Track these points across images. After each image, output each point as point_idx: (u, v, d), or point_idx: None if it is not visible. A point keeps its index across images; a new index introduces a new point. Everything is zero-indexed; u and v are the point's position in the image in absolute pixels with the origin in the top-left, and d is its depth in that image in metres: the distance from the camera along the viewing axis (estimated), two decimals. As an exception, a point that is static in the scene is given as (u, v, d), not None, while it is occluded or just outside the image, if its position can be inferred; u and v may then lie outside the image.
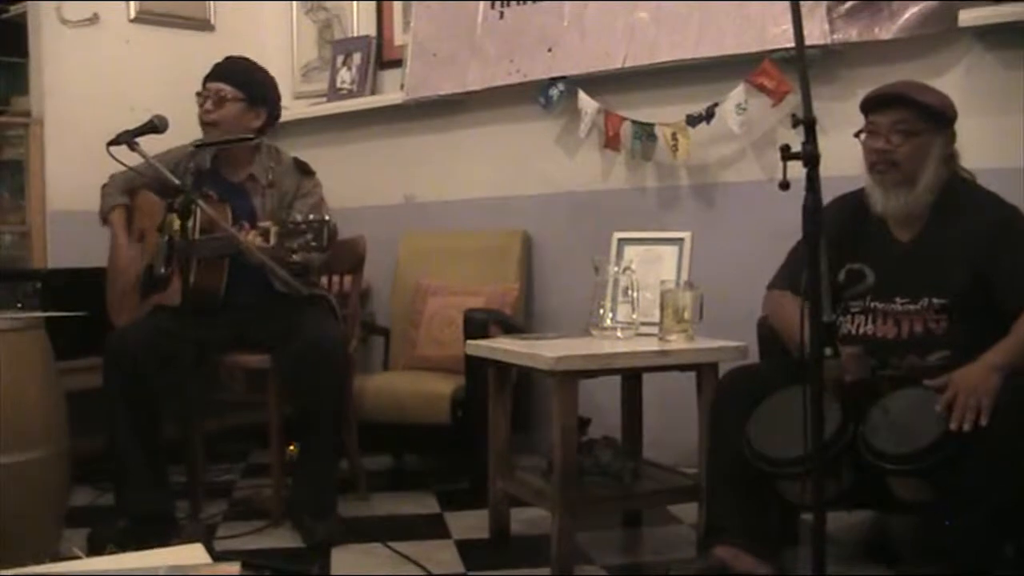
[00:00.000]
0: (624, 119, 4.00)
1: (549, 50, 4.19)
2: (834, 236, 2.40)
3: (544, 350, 2.88)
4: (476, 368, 3.44)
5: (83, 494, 3.57)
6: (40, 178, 4.51)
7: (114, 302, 3.58)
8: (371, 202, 4.94)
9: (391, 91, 4.86)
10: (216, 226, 3.13)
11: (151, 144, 3.06)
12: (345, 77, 5.03)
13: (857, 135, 2.71)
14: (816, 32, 3.41)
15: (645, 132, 3.94)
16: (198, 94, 3.50)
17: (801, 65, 2.03)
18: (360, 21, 5.10)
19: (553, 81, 4.18)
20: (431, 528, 3.36)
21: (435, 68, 4.55)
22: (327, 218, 2.86)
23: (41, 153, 4.51)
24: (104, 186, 3.62)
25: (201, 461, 3.40)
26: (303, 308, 3.42)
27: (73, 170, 4.33)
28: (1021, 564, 2.52)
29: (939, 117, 2.65)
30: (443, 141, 4.74)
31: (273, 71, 3.69)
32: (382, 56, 4.99)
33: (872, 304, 2.70)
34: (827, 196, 2.12)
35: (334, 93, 5.07)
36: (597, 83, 4.09)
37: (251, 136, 3.44)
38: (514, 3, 4.32)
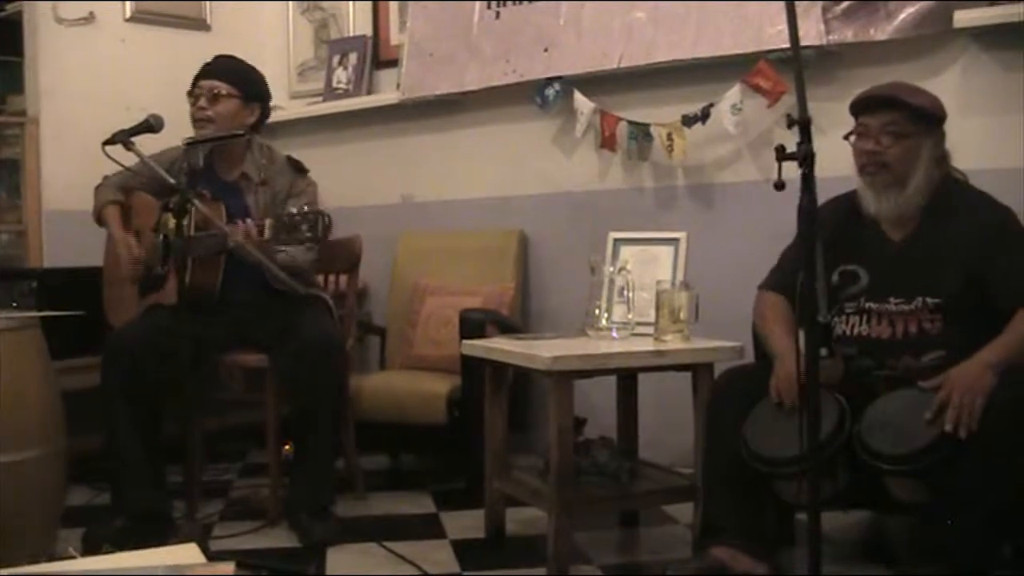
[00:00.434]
0: (620, 119, 4.00)
1: (545, 50, 4.19)
2: (828, 237, 2.41)
3: (540, 350, 2.88)
4: (473, 368, 3.45)
5: (79, 493, 3.57)
6: (36, 177, 4.51)
7: (111, 299, 3.58)
8: (368, 202, 4.95)
9: (387, 91, 4.86)
10: (211, 224, 3.13)
11: (147, 144, 3.06)
12: (341, 77, 5.03)
13: (847, 137, 2.72)
14: (812, 33, 3.42)
15: (641, 132, 3.95)
16: (190, 93, 3.50)
17: (797, 65, 2.03)
18: (356, 21, 5.10)
19: (549, 81, 4.18)
20: (427, 528, 3.36)
21: (431, 68, 4.55)
22: (322, 209, 2.86)
23: (37, 152, 4.51)
24: (97, 187, 3.62)
25: (198, 460, 3.40)
26: (300, 307, 3.42)
27: (69, 169, 4.33)
28: (1018, 564, 2.53)
29: (929, 118, 2.66)
30: (440, 141, 4.74)
31: (269, 71, 3.69)
32: (378, 56, 4.99)
33: (866, 305, 2.71)
34: (823, 196, 2.13)
35: (330, 93, 5.07)
36: (593, 83, 4.09)
37: (241, 132, 3.45)
38: (510, 3, 4.32)
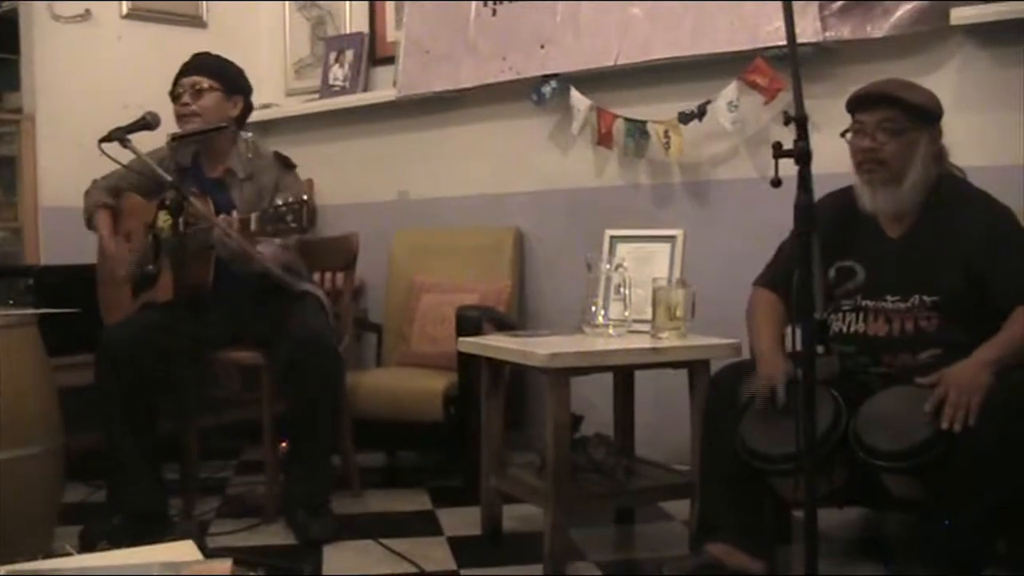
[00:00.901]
0: (617, 116, 4.00)
1: (542, 47, 4.19)
2: (824, 233, 2.41)
3: (537, 347, 2.88)
4: (469, 365, 3.45)
5: (76, 491, 3.56)
6: (32, 175, 4.51)
7: (105, 300, 3.58)
8: (364, 199, 4.95)
9: (384, 88, 4.86)
10: (203, 220, 3.12)
11: (143, 142, 3.06)
12: (338, 74, 5.02)
13: (843, 135, 2.72)
14: (809, 30, 3.42)
15: (638, 129, 3.95)
16: (172, 93, 3.51)
17: (793, 62, 2.03)
18: (353, 18, 5.10)
19: (546, 78, 4.17)
20: (424, 525, 3.36)
21: (428, 65, 4.55)
22: (305, 198, 2.88)
23: (33, 150, 4.51)
24: (87, 191, 3.63)
25: (194, 458, 3.39)
26: (292, 304, 3.42)
27: (66, 167, 4.33)
28: (1013, 561, 2.53)
29: (925, 115, 2.65)
30: (436, 138, 4.74)
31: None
32: (375, 53, 4.99)
33: (863, 302, 2.71)
34: (819, 193, 2.13)
35: (327, 90, 5.06)
36: (590, 80, 4.09)
37: (224, 124, 3.46)
38: (507, 0, 4.31)
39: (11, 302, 3.71)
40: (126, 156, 3.03)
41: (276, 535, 3.26)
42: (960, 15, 3.20)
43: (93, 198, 3.61)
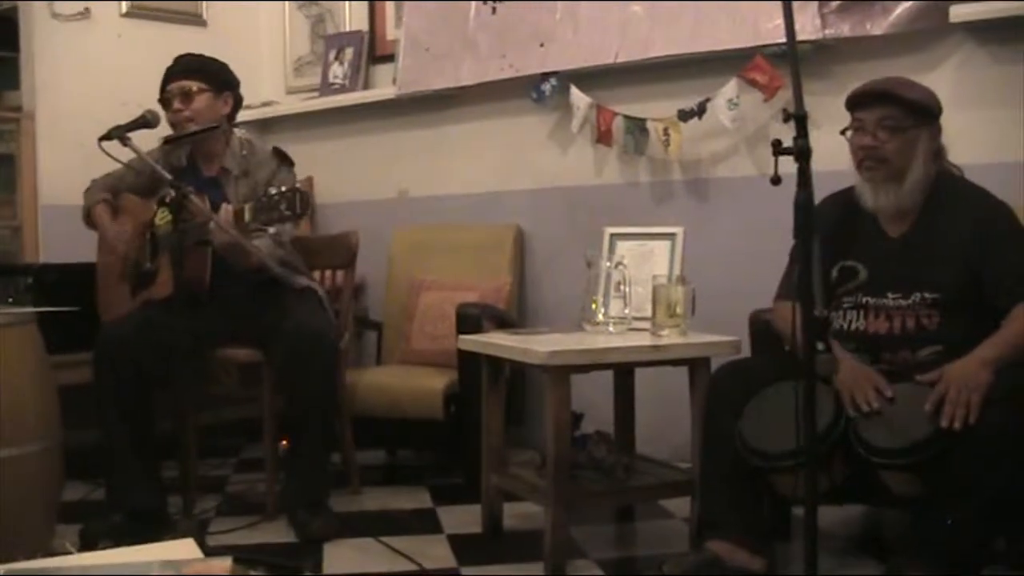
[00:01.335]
0: (616, 114, 4.00)
1: (541, 45, 4.18)
2: (827, 234, 2.41)
3: (537, 345, 2.88)
4: (469, 363, 3.44)
5: (75, 489, 3.56)
6: (32, 173, 4.51)
7: (105, 300, 3.57)
8: (364, 197, 4.94)
9: (383, 86, 4.85)
10: (201, 216, 3.12)
11: (141, 140, 3.06)
12: (337, 72, 5.02)
13: (843, 132, 2.72)
14: (808, 27, 3.42)
15: (637, 127, 3.95)
16: (161, 99, 3.49)
17: (793, 60, 2.03)
18: (352, 16, 5.10)
19: (545, 76, 4.17)
20: (424, 523, 3.36)
21: (428, 63, 4.54)
22: (298, 186, 2.86)
23: (33, 148, 4.51)
24: (86, 190, 3.63)
25: (193, 456, 3.39)
26: (291, 301, 3.42)
27: (65, 165, 4.32)
28: (1012, 558, 2.53)
29: (925, 112, 2.66)
30: (436, 136, 4.73)
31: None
32: (374, 51, 4.99)
33: (864, 300, 2.71)
34: (819, 191, 2.13)
35: (326, 88, 5.06)
36: (590, 78, 4.09)
37: (216, 124, 3.45)
38: (507, -2, 4.32)
39: (10, 300, 3.71)
40: (126, 154, 3.03)
41: (276, 533, 3.26)
42: (959, 13, 3.20)
43: (92, 196, 3.61)
